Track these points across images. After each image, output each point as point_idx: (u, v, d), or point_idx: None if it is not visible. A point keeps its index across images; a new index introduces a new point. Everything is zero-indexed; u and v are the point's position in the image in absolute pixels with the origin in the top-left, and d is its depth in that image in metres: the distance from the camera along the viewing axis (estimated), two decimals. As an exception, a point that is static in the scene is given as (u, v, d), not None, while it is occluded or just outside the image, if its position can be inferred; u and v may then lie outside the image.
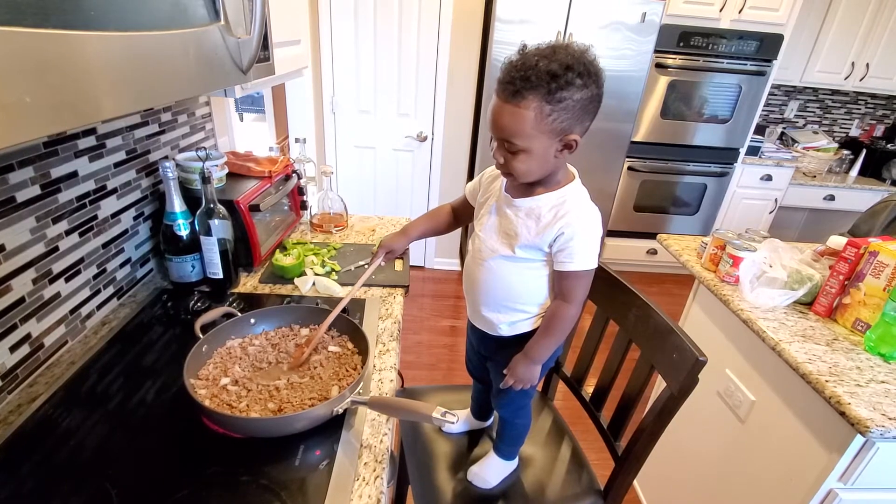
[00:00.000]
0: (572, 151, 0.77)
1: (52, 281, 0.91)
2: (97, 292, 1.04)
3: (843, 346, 1.08)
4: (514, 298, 0.88)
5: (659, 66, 2.77)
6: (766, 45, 2.77)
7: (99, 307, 1.05)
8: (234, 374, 0.86)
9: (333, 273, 1.30)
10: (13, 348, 0.83)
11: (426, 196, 3.10)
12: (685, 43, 2.74)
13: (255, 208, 1.21)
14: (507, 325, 0.90)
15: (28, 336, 0.87)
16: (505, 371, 0.91)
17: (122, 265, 1.11)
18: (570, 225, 0.79)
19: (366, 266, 1.34)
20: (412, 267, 3.25)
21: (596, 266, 0.82)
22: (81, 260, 0.98)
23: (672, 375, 0.87)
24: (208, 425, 0.78)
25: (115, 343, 0.98)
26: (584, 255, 0.80)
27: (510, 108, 0.72)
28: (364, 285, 1.24)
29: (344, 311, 1.06)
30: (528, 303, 0.88)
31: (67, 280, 0.95)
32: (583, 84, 0.71)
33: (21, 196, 0.82)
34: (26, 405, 0.81)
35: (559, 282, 0.84)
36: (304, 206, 1.58)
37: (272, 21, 0.95)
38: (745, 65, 2.81)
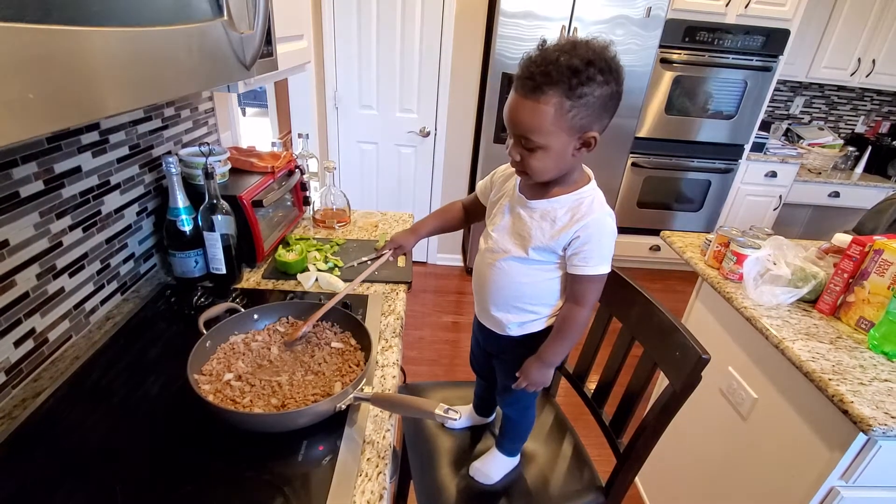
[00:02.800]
0: (591, 150, 0.76)
1: (56, 276, 0.91)
2: (101, 287, 1.04)
3: (846, 345, 1.07)
4: (525, 299, 0.87)
5: (664, 61, 2.75)
6: (773, 41, 2.74)
7: (103, 302, 1.05)
8: (237, 370, 0.86)
9: (336, 269, 1.30)
10: (17, 343, 0.84)
11: (429, 191, 3.09)
12: (690, 38, 2.72)
13: (257, 204, 1.21)
14: (516, 325, 0.90)
15: (32, 331, 0.87)
16: (518, 374, 0.91)
17: (125, 260, 1.12)
18: (586, 228, 0.78)
19: (369, 262, 1.34)
20: (415, 263, 3.26)
21: (609, 270, 0.81)
22: (85, 255, 0.99)
23: (675, 373, 0.87)
24: (212, 420, 0.78)
25: (119, 338, 0.98)
26: (599, 259, 0.79)
27: (529, 104, 0.71)
28: (366, 281, 1.25)
29: (346, 306, 1.06)
30: (539, 304, 0.88)
31: (71, 275, 0.95)
32: (604, 80, 0.70)
33: (24, 191, 0.82)
34: (31, 400, 0.82)
35: (572, 285, 0.83)
36: (306, 201, 1.57)
37: (275, 16, 0.95)
38: (751, 60, 2.79)
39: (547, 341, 0.87)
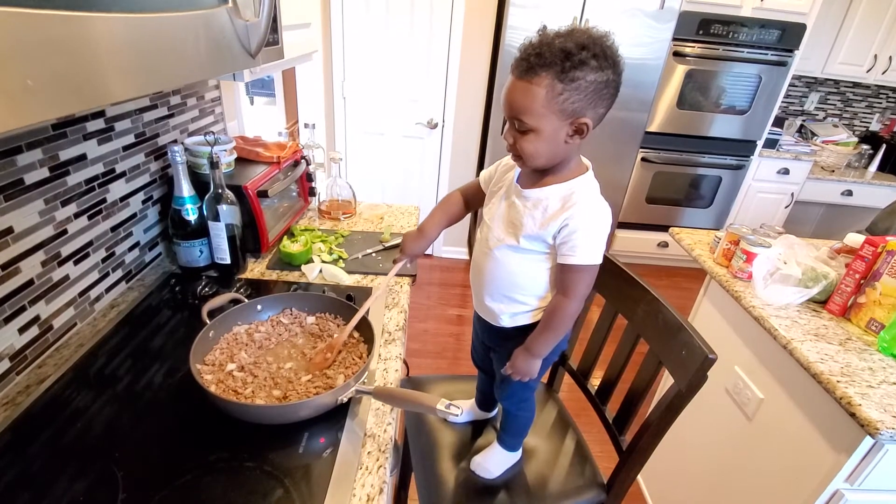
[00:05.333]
0: (583, 137, 0.75)
1: (60, 263, 0.91)
2: (106, 275, 1.04)
3: (856, 347, 1.06)
4: (516, 289, 0.87)
5: (677, 54, 2.71)
6: (788, 35, 2.69)
7: (108, 290, 1.06)
8: (240, 361, 0.86)
9: (341, 261, 1.29)
10: (22, 330, 0.84)
11: (435, 184, 3.08)
12: (705, 31, 2.67)
13: (263, 194, 1.21)
14: (508, 315, 0.90)
15: (37, 318, 0.87)
16: (506, 362, 0.91)
17: (130, 249, 1.12)
18: (574, 217, 0.77)
19: (374, 255, 1.34)
20: (420, 255, 3.24)
21: (600, 262, 0.80)
22: (90, 243, 0.99)
23: (680, 372, 0.86)
24: (214, 410, 0.78)
25: (124, 326, 0.99)
26: (587, 250, 0.78)
27: (522, 85, 0.71)
28: (371, 274, 1.24)
29: (350, 299, 1.06)
30: (529, 295, 0.87)
31: (76, 263, 0.95)
32: (598, 66, 0.69)
33: (29, 178, 0.82)
34: (35, 386, 0.82)
35: (561, 275, 0.83)
36: (312, 192, 1.57)
37: (281, 3, 0.93)
38: (766, 54, 2.73)
39: (534, 332, 0.87)
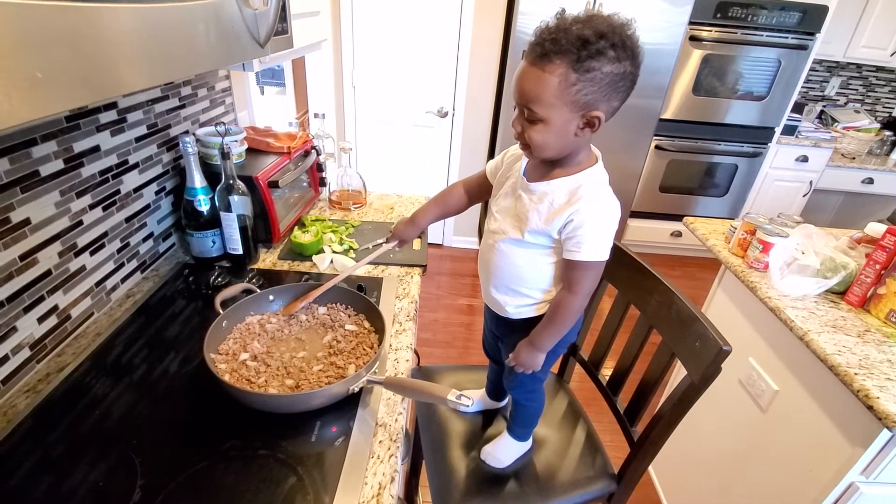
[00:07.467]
0: (594, 130, 0.73)
1: (77, 254, 0.93)
2: (121, 266, 1.06)
3: (874, 339, 1.04)
4: (520, 282, 0.87)
5: (693, 38, 2.64)
6: (810, 17, 2.61)
7: (123, 280, 1.07)
8: (253, 350, 0.87)
9: (351, 251, 1.30)
10: (41, 319, 0.86)
11: (446, 173, 3.06)
12: (723, 14, 2.60)
13: (274, 184, 1.21)
14: (513, 307, 0.90)
15: (55, 307, 0.89)
16: (510, 354, 0.91)
17: (144, 239, 1.13)
18: (579, 212, 0.75)
19: (370, 248, 1.34)
20: (430, 245, 3.25)
21: (607, 258, 0.78)
22: (105, 234, 1.00)
23: (693, 363, 0.85)
24: (227, 399, 0.79)
25: (139, 315, 1.00)
26: (593, 246, 0.76)
27: (535, 72, 0.69)
28: (381, 264, 1.24)
29: (360, 289, 1.07)
30: (533, 288, 0.87)
31: (92, 253, 0.97)
32: (615, 57, 0.66)
33: (45, 170, 0.83)
34: (55, 374, 0.84)
35: (566, 271, 0.82)
36: (322, 182, 1.57)
37: (290, -8, 0.93)
38: (786, 38, 2.66)
39: (538, 326, 0.87)
